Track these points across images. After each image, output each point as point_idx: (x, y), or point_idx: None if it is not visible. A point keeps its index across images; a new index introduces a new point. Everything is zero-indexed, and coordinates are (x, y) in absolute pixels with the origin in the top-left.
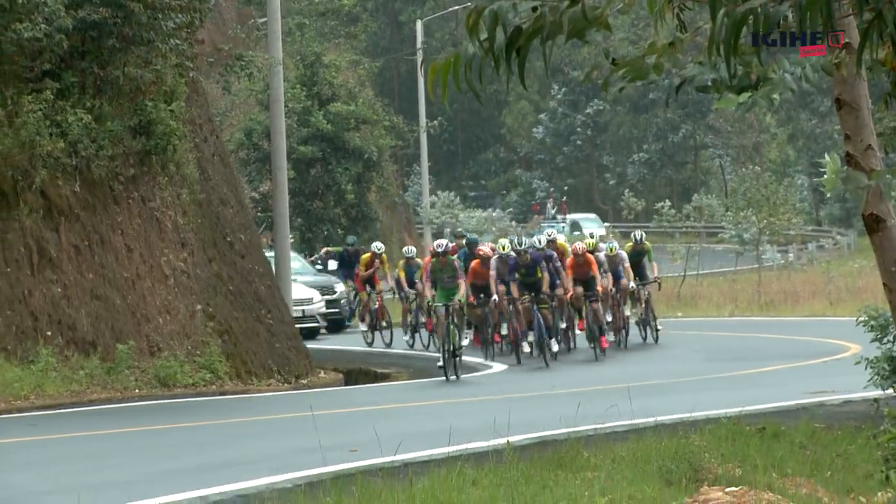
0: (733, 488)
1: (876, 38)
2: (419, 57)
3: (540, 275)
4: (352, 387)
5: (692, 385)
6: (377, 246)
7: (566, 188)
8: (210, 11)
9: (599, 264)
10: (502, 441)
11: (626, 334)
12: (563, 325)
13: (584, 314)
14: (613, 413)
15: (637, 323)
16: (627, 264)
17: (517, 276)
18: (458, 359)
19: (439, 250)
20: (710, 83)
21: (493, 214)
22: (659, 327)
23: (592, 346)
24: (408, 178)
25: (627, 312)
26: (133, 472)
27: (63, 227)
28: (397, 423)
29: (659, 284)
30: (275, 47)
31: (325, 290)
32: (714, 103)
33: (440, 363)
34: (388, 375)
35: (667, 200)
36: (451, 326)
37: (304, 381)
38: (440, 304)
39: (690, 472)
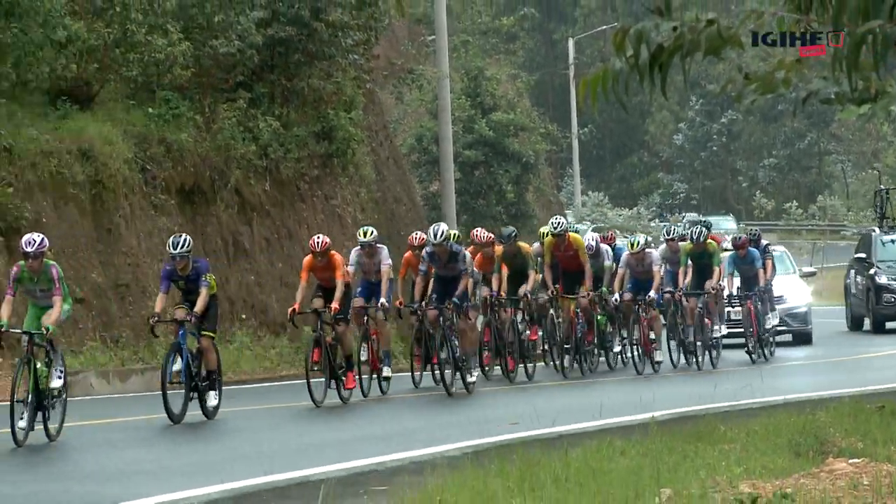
0: (856, 460)
1: None
2: (571, 71)
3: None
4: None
5: (816, 368)
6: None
7: (702, 189)
8: (384, 30)
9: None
10: (647, 416)
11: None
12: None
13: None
14: (747, 392)
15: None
16: (657, 267)
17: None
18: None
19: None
20: (833, 96)
21: (640, 212)
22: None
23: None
24: (561, 179)
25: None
26: (325, 438)
27: (255, 222)
28: (552, 399)
29: (717, 293)
30: (442, 62)
31: None
32: (837, 114)
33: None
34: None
35: (794, 201)
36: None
37: None
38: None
39: (816, 445)
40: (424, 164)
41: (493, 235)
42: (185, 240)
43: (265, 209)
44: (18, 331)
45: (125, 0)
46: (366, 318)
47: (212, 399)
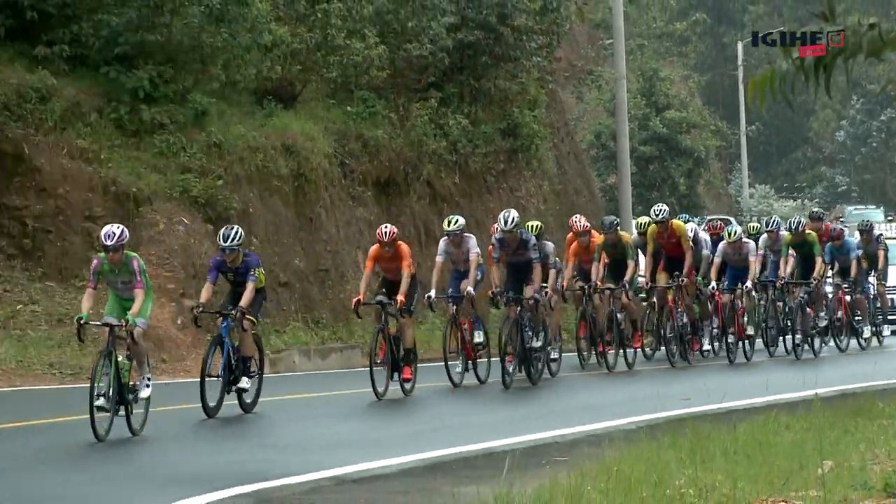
0: None
1: None
2: (740, 73)
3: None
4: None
5: None
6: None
7: (862, 182)
8: (566, 34)
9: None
10: (810, 393)
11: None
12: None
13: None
14: None
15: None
16: (753, 258)
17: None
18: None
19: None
20: None
21: (804, 203)
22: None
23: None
24: (730, 173)
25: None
26: (510, 414)
27: (445, 212)
28: (721, 378)
29: (818, 285)
30: (620, 64)
31: None
32: None
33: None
34: None
35: None
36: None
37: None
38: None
39: None
40: (602, 159)
41: (588, 224)
42: (236, 232)
43: (455, 200)
44: (99, 323)
45: (326, 7)
46: (454, 307)
47: (244, 383)
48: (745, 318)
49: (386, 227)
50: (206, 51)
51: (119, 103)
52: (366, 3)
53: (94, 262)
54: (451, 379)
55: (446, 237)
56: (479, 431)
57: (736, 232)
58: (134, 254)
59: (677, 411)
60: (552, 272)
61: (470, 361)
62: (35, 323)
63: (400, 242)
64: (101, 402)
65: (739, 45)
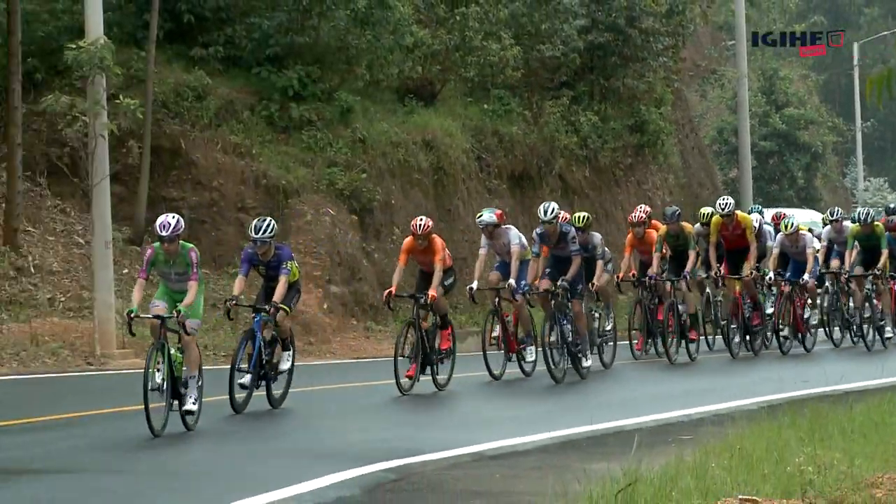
0: None
1: None
2: (856, 72)
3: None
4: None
5: None
6: None
7: None
8: (690, 36)
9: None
10: None
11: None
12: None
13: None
14: None
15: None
16: (810, 250)
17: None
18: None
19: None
20: None
21: None
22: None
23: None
24: (846, 167)
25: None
26: (634, 395)
27: (576, 203)
28: (839, 363)
29: (882, 275)
30: (741, 64)
31: None
32: None
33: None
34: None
35: None
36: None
37: None
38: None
39: None
40: (724, 154)
41: (644, 215)
42: (268, 225)
43: (585, 192)
44: (149, 315)
45: (464, 10)
46: (497, 299)
47: (284, 361)
48: (806, 310)
49: (421, 219)
50: (351, 52)
51: (270, 101)
52: (502, 7)
53: (149, 251)
54: (489, 371)
55: (483, 229)
56: (610, 410)
57: (792, 224)
58: (191, 244)
59: (796, 393)
60: (599, 263)
61: (513, 353)
62: None
63: (434, 236)
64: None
65: (855, 46)
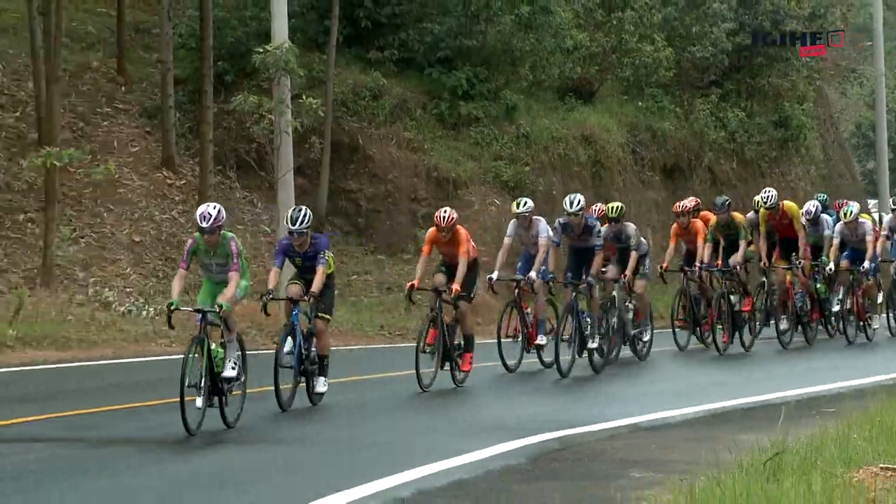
0: None
1: None
2: None
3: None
4: None
5: None
6: None
7: None
8: (832, 37)
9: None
10: None
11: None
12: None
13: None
14: None
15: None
16: (870, 237)
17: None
18: None
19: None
20: None
21: None
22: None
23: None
24: None
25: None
26: (780, 371)
27: (723, 194)
28: None
29: None
30: (879, 63)
31: None
32: None
33: None
34: None
35: None
36: None
37: None
38: None
39: None
40: (862, 147)
41: (689, 205)
42: (304, 215)
43: (732, 183)
44: (190, 309)
45: (621, 15)
46: (517, 290)
47: (320, 385)
48: (867, 299)
49: (444, 211)
50: (516, 54)
51: (440, 100)
52: (655, 12)
53: (189, 241)
54: (503, 362)
55: (515, 219)
56: (752, 385)
57: (851, 212)
58: (232, 234)
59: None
60: (633, 255)
61: (533, 346)
62: (367, 290)
63: (459, 227)
64: (199, 402)
65: None
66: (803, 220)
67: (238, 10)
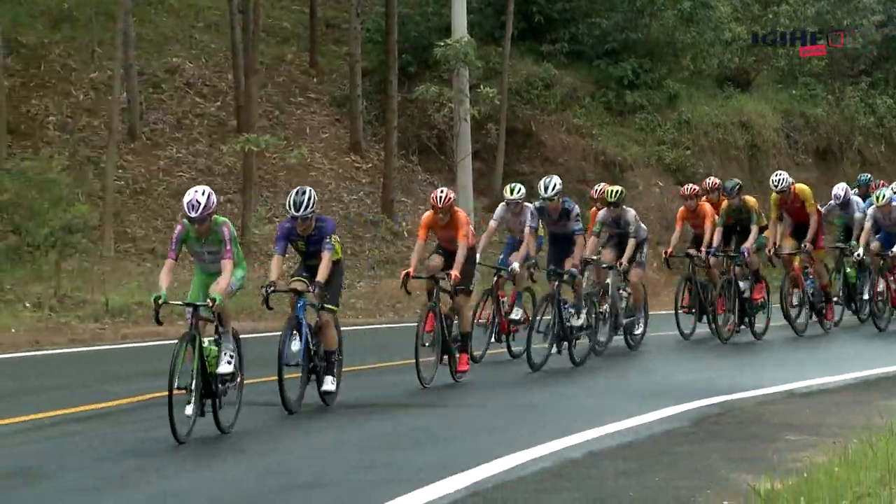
0: None
1: None
2: None
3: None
4: None
5: None
6: None
7: None
8: None
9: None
10: None
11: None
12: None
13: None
14: None
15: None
16: None
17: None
18: None
19: None
20: None
21: None
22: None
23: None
24: None
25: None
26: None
27: (874, 175)
28: None
29: None
30: None
31: None
32: None
33: None
34: None
35: None
36: None
37: None
38: None
39: None
40: None
41: (696, 188)
42: (308, 198)
43: (881, 166)
44: (180, 303)
45: (776, 9)
46: (496, 278)
47: (328, 384)
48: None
49: (441, 191)
50: (678, 46)
51: (608, 89)
52: (809, 6)
53: (178, 228)
54: (469, 353)
55: (505, 204)
56: (818, 366)
57: (884, 196)
58: (224, 218)
59: None
60: (631, 241)
61: (504, 335)
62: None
63: (457, 209)
64: (188, 410)
65: None
66: (833, 202)
67: (421, 7)
